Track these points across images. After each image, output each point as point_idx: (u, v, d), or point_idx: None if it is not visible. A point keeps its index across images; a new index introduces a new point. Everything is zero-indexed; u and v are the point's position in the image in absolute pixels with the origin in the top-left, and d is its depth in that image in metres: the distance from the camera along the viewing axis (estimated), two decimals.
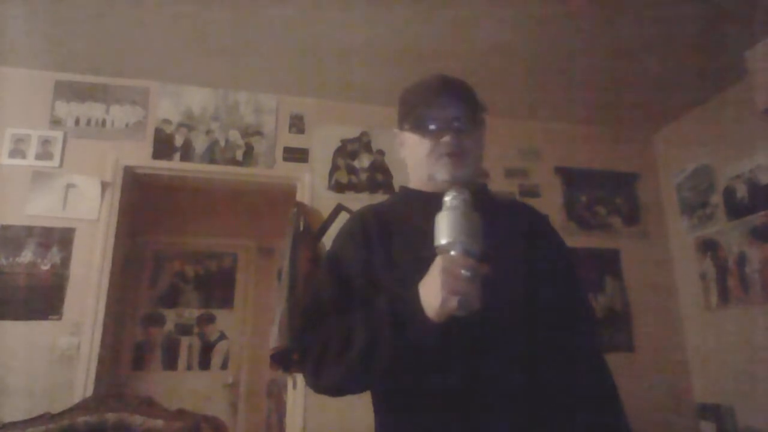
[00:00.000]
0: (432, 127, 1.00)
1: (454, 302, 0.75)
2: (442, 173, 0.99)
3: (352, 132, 3.12)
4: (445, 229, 0.79)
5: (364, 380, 0.91)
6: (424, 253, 0.81)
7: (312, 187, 2.97)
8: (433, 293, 0.78)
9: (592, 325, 1.07)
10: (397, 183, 3.03)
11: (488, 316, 0.84)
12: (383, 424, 0.98)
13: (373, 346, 0.84)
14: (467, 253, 0.77)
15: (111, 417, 1.94)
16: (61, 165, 2.69)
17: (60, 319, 2.49)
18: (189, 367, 3.97)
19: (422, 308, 0.80)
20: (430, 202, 0.84)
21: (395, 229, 1.00)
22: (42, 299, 2.50)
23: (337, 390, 0.95)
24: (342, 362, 0.87)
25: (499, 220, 1.00)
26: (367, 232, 1.01)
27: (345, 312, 0.92)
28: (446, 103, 1.01)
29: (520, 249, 0.99)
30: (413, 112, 1.03)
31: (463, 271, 0.75)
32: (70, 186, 2.66)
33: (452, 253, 0.77)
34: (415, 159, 1.06)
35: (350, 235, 1.04)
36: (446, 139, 0.99)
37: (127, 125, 2.85)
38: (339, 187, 3.01)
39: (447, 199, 0.82)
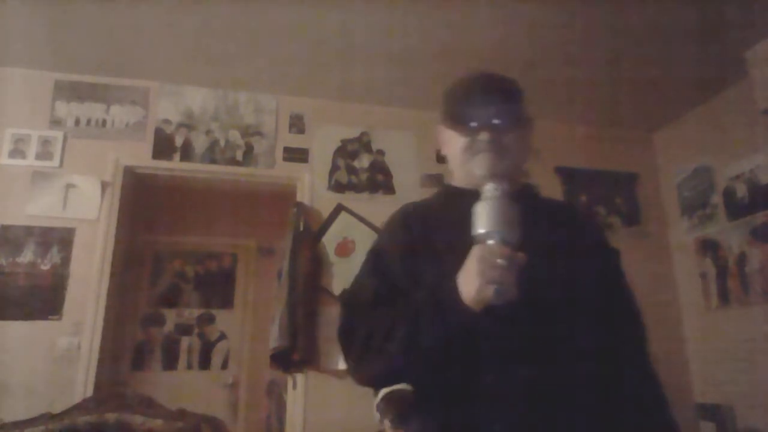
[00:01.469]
0: (469, 123, 0.99)
1: (490, 290, 0.76)
2: (479, 168, 0.98)
3: (352, 132, 3.12)
4: (482, 219, 0.80)
5: (407, 369, 0.92)
6: (464, 249, 0.82)
7: (312, 187, 2.97)
8: (469, 282, 0.79)
9: (639, 328, 1.07)
10: (397, 183, 3.03)
11: (533, 310, 0.86)
12: (423, 415, 0.98)
13: (414, 335, 0.85)
14: (504, 243, 0.78)
15: (111, 417, 1.94)
16: (61, 165, 2.69)
17: (60, 319, 2.49)
18: (189, 367, 3.96)
19: (460, 297, 0.81)
20: (472, 199, 0.85)
21: (437, 225, 1.00)
22: (42, 299, 2.50)
23: (380, 380, 0.98)
24: (385, 352, 0.88)
25: (543, 220, 1.00)
26: (410, 228, 1.03)
27: (387, 304, 0.93)
28: (486, 100, 1.00)
29: (564, 249, 0.98)
30: (453, 108, 1.03)
31: (499, 260, 0.76)
32: (70, 186, 2.66)
33: (489, 242, 0.78)
34: (455, 155, 1.05)
35: (393, 231, 1.06)
36: (483, 135, 0.98)
37: (127, 125, 2.85)
38: (339, 187, 3.01)
39: (486, 189, 0.83)
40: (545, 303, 0.89)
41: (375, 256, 1.05)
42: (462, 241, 0.82)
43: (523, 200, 0.87)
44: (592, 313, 0.94)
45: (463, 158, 1.01)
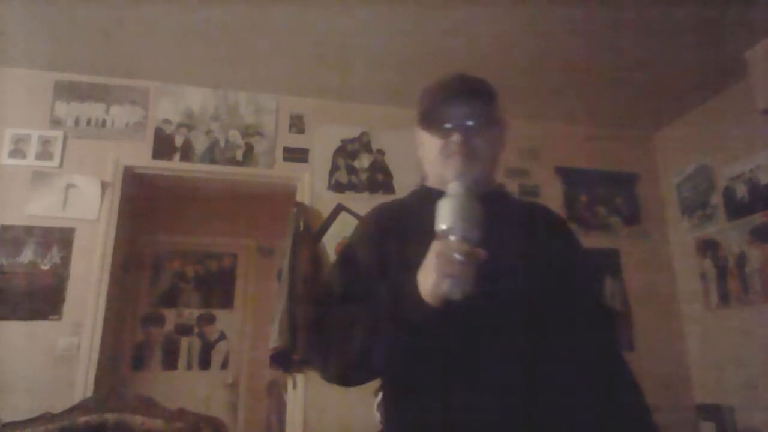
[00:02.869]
0: (442, 125, 1.00)
1: (446, 285, 0.77)
2: (451, 172, 0.97)
3: (352, 132, 3.12)
4: (444, 215, 0.81)
5: (368, 367, 0.91)
6: None
7: (312, 187, 2.97)
8: (427, 276, 0.79)
9: (611, 324, 1.07)
10: (397, 183, 3.03)
11: (496, 308, 0.87)
12: (392, 414, 0.99)
13: (373, 331, 0.85)
14: (465, 239, 0.78)
15: (111, 417, 1.94)
16: (61, 165, 2.69)
17: (60, 319, 2.49)
18: (189, 367, 3.96)
19: (419, 292, 0.81)
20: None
21: (410, 224, 1.00)
22: (42, 299, 2.50)
23: (345, 378, 0.96)
24: (346, 349, 0.88)
25: (514, 220, 1.02)
26: (382, 226, 1.03)
27: (356, 301, 0.93)
28: (458, 101, 0.99)
29: (535, 248, 0.99)
30: (427, 110, 1.03)
31: (456, 255, 0.76)
32: (70, 186, 2.66)
33: (451, 238, 0.79)
34: (428, 158, 1.05)
35: (365, 230, 1.07)
36: (455, 137, 0.98)
37: (127, 125, 2.85)
38: (339, 187, 3.01)
39: (449, 186, 0.84)
40: (508, 300, 0.91)
41: (347, 253, 1.05)
42: (432, 240, 0.83)
43: (494, 201, 0.88)
44: (557, 312, 0.94)
45: (438, 160, 1.01)
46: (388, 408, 1.00)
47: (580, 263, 1.08)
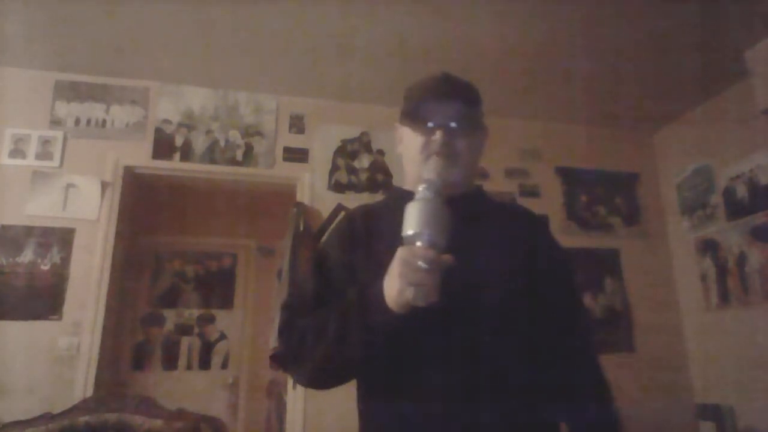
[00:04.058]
0: (425, 123, 0.99)
1: (409, 293, 0.76)
2: (429, 172, 0.95)
3: (352, 132, 3.12)
4: (411, 220, 0.79)
5: (337, 371, 0.91)
6: None
7: (312, 187, 2.97)
8: (391, 283, 0.79)
9: (587, 329, 1.07)
10: (397, 183, 3.03)
11: (474, 313, 0.87)
12: (363, 415, 0.99)
13: (341, 336, 0.85)
14: (432, 245, 0.77)
15: (111, 417, 1.94)
16: (61, 165, 2.69)
17: (60, 319, 2.49)
18: (189, 367, 3.96)
19: (384, 299, 0.80)
20: None
21: (382, 228, 1.00)
22: (42, 299, 2.49)
23: (315, 382, 0.97)
24: (316, 354, 0.88)
25: (492, 223, 1.02)
26: (354, 230, 1.03)
27: (325, 306, 0.93)
28: (443, 101, 0.99)
29: (513, 251, 0.99)
30: (411, 106, 1.03)
31: (420, 263, 0.75)
32: (70, 186, 2.66)
33: (418, 244, 0.77)
34: (409, 155, 1.05)
35: (337, 234, 1.07)
36: (437, 136, 0.97)
37: (127, 125, 2.85)
38: (339, 187, 3.01)
39: (418, 190, 0.82)
40: (480, 304, 0.90)
41: (318, 258, 1.05)
42: (401, 244, 0.82)
43: (470, 203, 0.88)
44: (531, 314, 0.94)
45: (418, 159, 1.00)
46: (360, 410, 1.00)
47: (557, 265, 1.06)
